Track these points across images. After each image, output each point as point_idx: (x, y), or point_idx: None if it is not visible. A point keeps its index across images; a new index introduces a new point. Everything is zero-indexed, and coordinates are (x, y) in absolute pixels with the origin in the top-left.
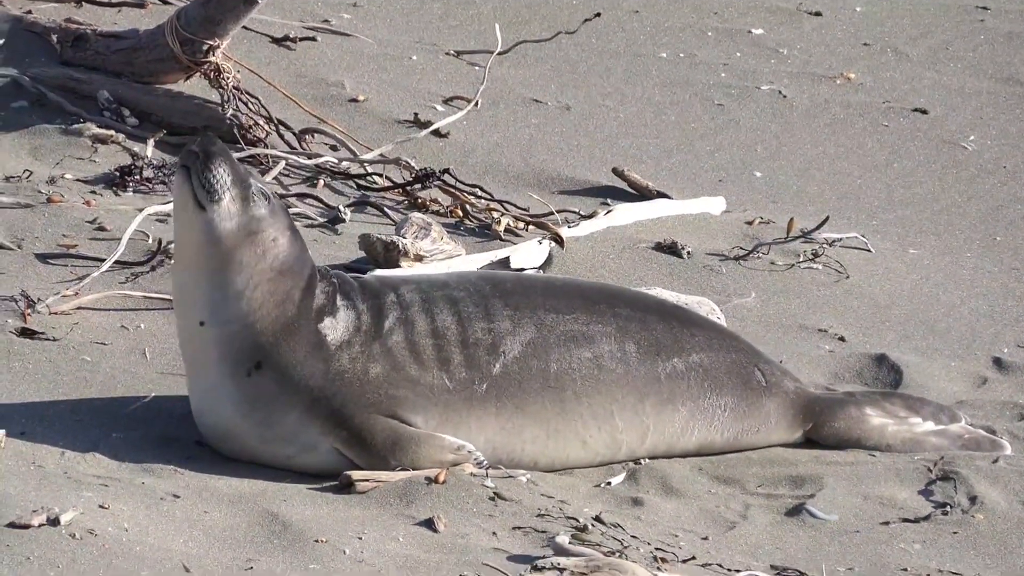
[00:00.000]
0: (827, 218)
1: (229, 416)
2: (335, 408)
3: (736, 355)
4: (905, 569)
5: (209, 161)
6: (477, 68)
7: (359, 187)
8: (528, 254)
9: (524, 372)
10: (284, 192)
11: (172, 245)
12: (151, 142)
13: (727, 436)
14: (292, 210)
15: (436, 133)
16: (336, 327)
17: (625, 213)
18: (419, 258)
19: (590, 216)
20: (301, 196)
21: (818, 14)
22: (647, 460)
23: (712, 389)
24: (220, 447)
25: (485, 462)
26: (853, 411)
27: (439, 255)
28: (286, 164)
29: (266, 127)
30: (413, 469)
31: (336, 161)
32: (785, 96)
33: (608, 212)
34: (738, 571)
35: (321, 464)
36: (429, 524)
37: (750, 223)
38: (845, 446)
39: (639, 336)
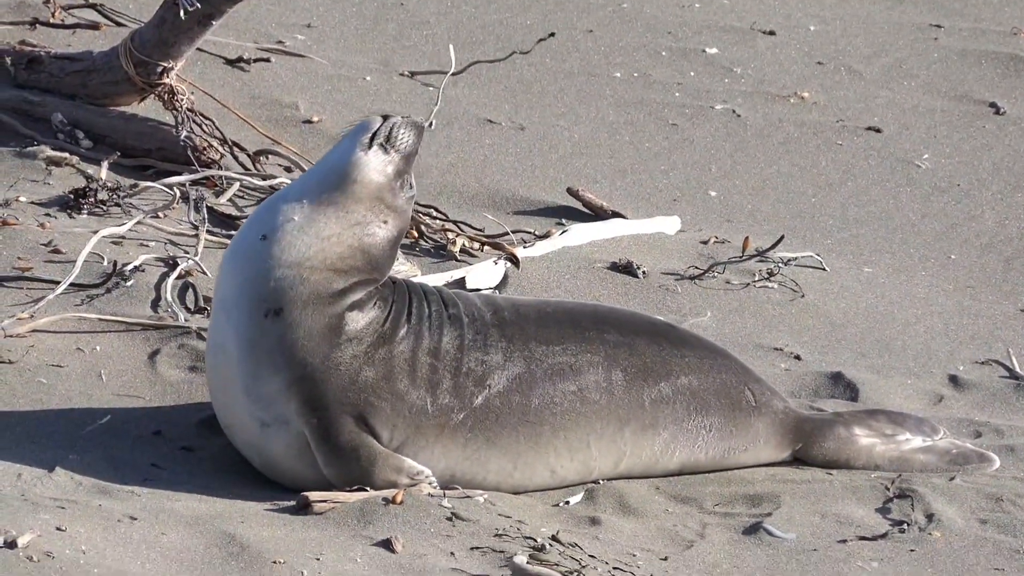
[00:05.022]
0: (782, 237)
1: (231, 349)
2: (317, 394)
3: (726, 375)
4: None
5: (410, 125)
6: (431, 88)
7: None
8: (484, 274)
9: (504, 407)
10: (239, 214)
11: (128, 266)
12: (105, 164)
13: (712, 456)
14: None
15: None
16: (358, 321)
17: (580, 233)
18: None
19: (545, 236)
20: None
21: (772, 33)
22: (604, 480)
23: (698, 411)
24: (214, 381)
25: (439, 488)
26: (842, 432)
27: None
28: (240, 185)
29: (220, 149)
30: (367, 484)
31: (290, 182)
32: (739, 115)
33: (563, 232)
34: None
35: (285, 451)
36: (386, 545)
37: (705, 242)
38: (834, 466)
39: (627, 363)
